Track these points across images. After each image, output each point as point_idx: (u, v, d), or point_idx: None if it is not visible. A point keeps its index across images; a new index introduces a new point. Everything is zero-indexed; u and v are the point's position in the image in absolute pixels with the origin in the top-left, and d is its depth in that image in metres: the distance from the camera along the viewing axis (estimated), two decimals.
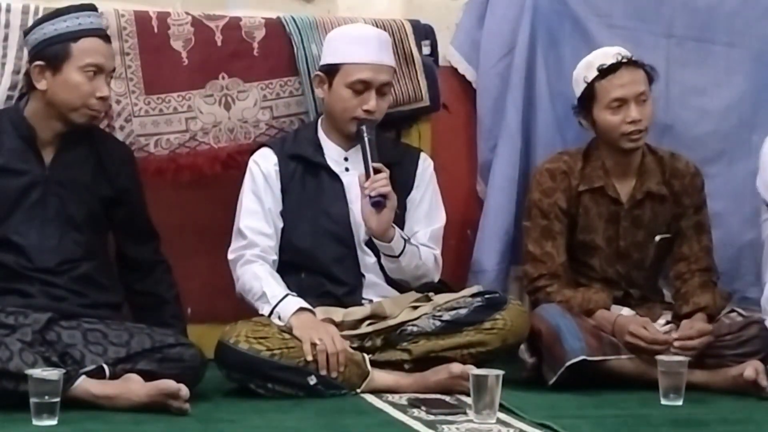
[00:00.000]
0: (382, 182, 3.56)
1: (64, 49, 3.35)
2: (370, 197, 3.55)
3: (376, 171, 3.58)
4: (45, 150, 3.41)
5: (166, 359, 3.26)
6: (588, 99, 3.81)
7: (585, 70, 3.83)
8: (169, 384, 3.14)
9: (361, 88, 3.64)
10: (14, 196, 3.37)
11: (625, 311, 3.79)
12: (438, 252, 3.72)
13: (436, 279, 3.74)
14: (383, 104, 3.69)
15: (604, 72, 3.77)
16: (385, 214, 3.57)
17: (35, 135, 3.39)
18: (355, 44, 3.69)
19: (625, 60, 3.77)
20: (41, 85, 3.36)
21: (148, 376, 3.20)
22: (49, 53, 3.36)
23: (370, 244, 3.67)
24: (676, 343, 3.63)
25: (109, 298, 3.44)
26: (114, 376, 3.19)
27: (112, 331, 3.27)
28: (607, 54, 3.81)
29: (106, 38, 3.45)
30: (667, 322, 3.80)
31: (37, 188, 3.38)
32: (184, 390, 3.13)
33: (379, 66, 3.66)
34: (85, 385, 3.14)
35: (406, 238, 3.64)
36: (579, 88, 3.85)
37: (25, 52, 3.51)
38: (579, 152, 3.88)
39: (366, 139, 3.61)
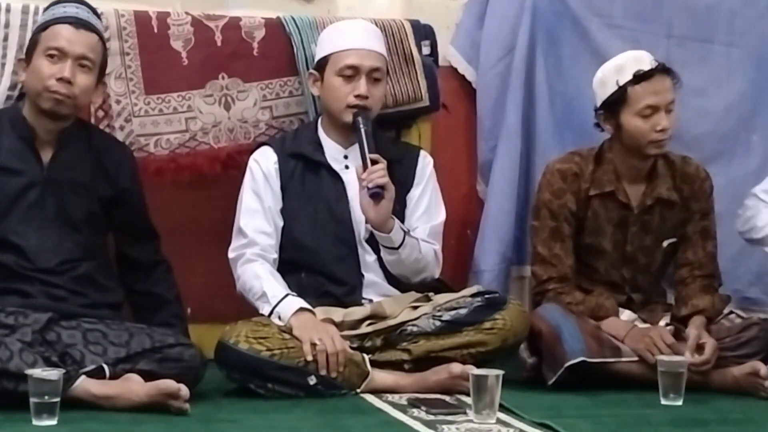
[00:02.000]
0: (379, 173, 3.55)
1: (34, 40, 3.39)
2: (368, 188, 3.55)
3: (374, 162, 3.57)
4: (43, 150, 3.41)
5: (166, 359, 3.26)
6: (617, 103, 3.74)
7: (616, 73, 3.74)
8: (169, 384, 3.14)
9: (350, 73, 3.65)
10: (12, 196, 3.36)
11: (627, 314, 3.79)
12: (438, 247, 3.72)
13: (437, 274, 3.74)
14: (376, 92, 3.69)
15: (640, 78, 3.71)
16: (384, 204, 3.56)
17: (34, 135, 3.39)
18: (341, 34, 3.74)
19: (660, 68, 3.73)
20: (21, 77, 3.40)
21: (148, 376, 3.19)
22: (27, 48, 3.42)
23: (370, 241, 3.67)
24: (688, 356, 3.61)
25: (109, 298, 3.44)
26: (114, 376, 3.19)
27: (112, 331, 3.27)
28: (640, 59, 3.74)
29: (79, 25, 3.38)
30: (667, 324, 3.80)
31: (35, 188, 3.38)
32: (184, 390, 3.13)
33: (367, 51, 3.68)
34: (85, 385, 3.14)
35: (406, 230, 3.64)
36: (606, 91, 3.77)
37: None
38: (591, 154, 3.85)
39: (362, 130, 3.61)
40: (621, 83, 3.74)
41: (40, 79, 3.33)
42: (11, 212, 3.36)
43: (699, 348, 3.65)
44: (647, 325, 3.77)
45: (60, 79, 3.31)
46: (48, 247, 3.36)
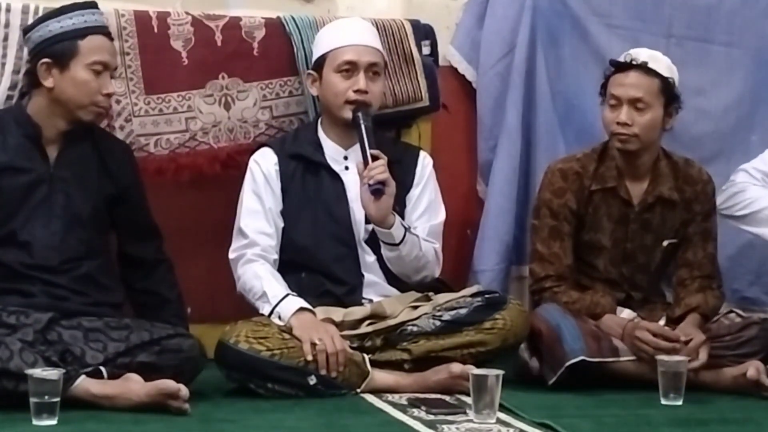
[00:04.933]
0: (379, 169, 3.55)
1: (71, 47, 3.36)
2: (369, 185, 3.55)
3: (374, 158, 3.57)
4: (49, 148, 3.41)
5: (165, 351, 3.27)
6: (603, 93, 3.81)
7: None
8: (168, 384, 3.15)
9: (348, 69, 3.66)
10: (20, 194, 3.36)
11: (626, 313, 3.79)
12: (438, 246, 3.72)
13: (437, 273, 3.74)
14: (375, 87, 3.69)
15: (615, 69, 3.76)
16: (384, 200, 3.56)
17: (40, 133, 3.40)
18: (337, 31, 3.75)
19: (635, 63, 3.73)
20: (48, 82, 3.36)
21: (147, 368, 3.20)
22: (56, 51, 3.36)
23: (370, 242, 3.67)
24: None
25: (110, 297, 3.44)
26: (113, 375, 3.19)
27: (111, 327, 3.27)
28: (631, 53, 3.77)
29: (110, 36, 3.47)
30: (664, 325, 3.80)
31: (42, 186, 3.38)
32: (183, 390, 3.13)
33: (364, 47, 3.69)
34: (85, 384, 3.14)
35: (407, 226, 3.64)
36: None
37: (25, 51, 3.51)
38: (595, 152, 3.85)
39: (362, 125, 3.61)
40: (607, 73, 3.80)
41: (88, 93, 3.35)
42: (19, 210, 3.36)
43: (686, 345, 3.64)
44: (629, 314, 3.77)
45: (107, 95, 3.38)
46: (53, 244, 3.37)
